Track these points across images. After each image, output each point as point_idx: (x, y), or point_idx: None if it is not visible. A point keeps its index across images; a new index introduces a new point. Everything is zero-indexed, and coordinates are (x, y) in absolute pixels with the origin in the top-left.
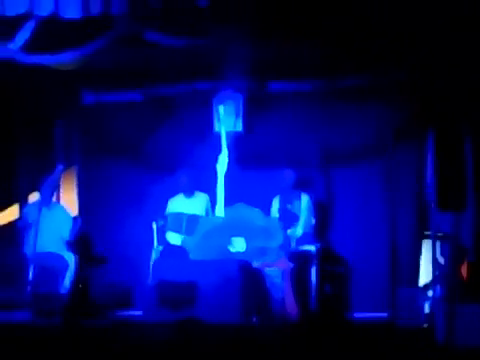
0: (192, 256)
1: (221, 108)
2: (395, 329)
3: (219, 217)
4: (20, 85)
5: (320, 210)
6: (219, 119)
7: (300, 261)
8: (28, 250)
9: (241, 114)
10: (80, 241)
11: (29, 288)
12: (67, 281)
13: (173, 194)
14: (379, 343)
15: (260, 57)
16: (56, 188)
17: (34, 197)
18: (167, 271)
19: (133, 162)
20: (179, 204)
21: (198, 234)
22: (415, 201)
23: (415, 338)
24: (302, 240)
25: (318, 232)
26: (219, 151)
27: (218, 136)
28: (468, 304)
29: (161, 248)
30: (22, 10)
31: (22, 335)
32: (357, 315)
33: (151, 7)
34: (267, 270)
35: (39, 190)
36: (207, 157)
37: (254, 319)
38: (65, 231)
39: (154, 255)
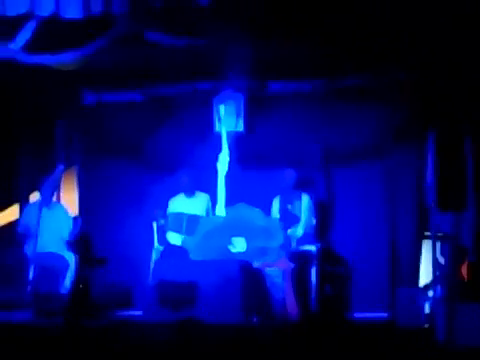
0: (192, 256)
1: (222, 108)
2: (395, 329)
3: (220, 217)
4: (21, 85)
5: (321, 210)
6: (220, 119)
7: (300, 261)
8: (28, 250)
9: (242, 114)
10: (80, 241)
11: (29, 288)
12: (67, 281)
13: (174, 194)
14: (379, 343)
15: (261, 57)
16: (56, 188)
17: (34, 197)
18: (167, 271)
19: (134, 162)
20: (180, 204)
21: (198, 234)
22: (415, 201)
23: (415, 338)
24: (303, 240)
25: (318, 232)
26: (220, 151)
27: (219, 136)
28: (468, 304)
29: (161, 248)
30: (23, 10)
31: (22, 335)
32: (357, 315)
33: (152, 7)
34: (267, 270)
35: (39, 190)
36: (208, 157)
37: (254, 319)
38: (65, 231)
39: (154, 255)
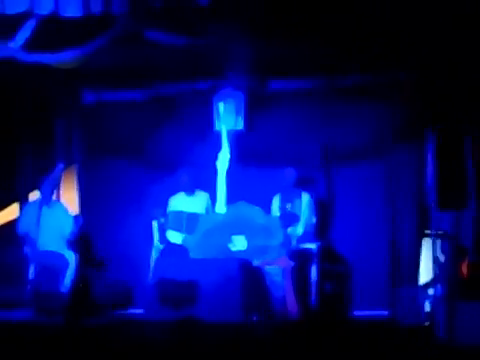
0: (192, 254)
1: (221, 105)
2: (396, 327)
3: (220, 215)
4: (21, 84)
5: (321, 209)
6: (219, 117)
7: (301, 259)
8: (28, 249)
9: (242, 112)
10: (81, 240)
11: (30, 287)
12: (68, 280)
13: (174, 192)
14: (379, 341)
15: (261, 55)
16: (56, 186)
17: (34, 196)
18: (167, 270)
19: (133, 161)
20: (180, 202)
21: (198, 232)
22: (415, 200)
23: (416, 336)
24: (303, 238)
25: (319, 231)
26: (220, 149)
27: (219, 134)
28: (468, 302)
29: (162, 246)
30: (22, 9)
31: (23, 334)
32: (357, 313)
33: (152, 6)
34: (268, 268)
35: (39, 189)
36: (208, 155)
37: (254, 317)
38: (66, 230)
39: (154, 253)
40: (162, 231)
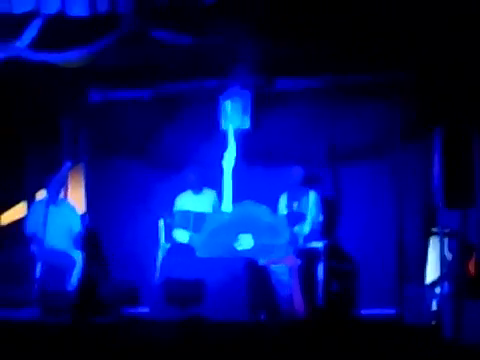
0: (199, 254)
1: (228, 104)
2: (402, 326)
3: (226, 214)
4: (27, 83)
5: (328, 207)
6: (226, 116)
7: (307, 258)
8: (35, 248)
9: (248, 111)
10: (88, 238)
11: (37, 286)
12: (74, 279)
13: (180, 191)
14: (386, 340)
15: (267, 54)
16: (63, 185)
17: (41, 195)
18: (174, 269)
19: (140, 160)
20: (187, 201)
21: (205, 232)
22: (422, 199)
23: (423, 335)
24: (309, 237)
25: (325, 229)
26: (226, 148)
27: (225, 133)
28: (476, 301)
29: (168, 246)
30: (29, 8)
31: (30, 333)
32: (364, 312)
33: (157, 5)
34: (274, 267)
35: (46, 188)
36: (214, 154)
37: (261, 316)
38: (73, 228)
39: (161, 253)
40: (168, 230)
